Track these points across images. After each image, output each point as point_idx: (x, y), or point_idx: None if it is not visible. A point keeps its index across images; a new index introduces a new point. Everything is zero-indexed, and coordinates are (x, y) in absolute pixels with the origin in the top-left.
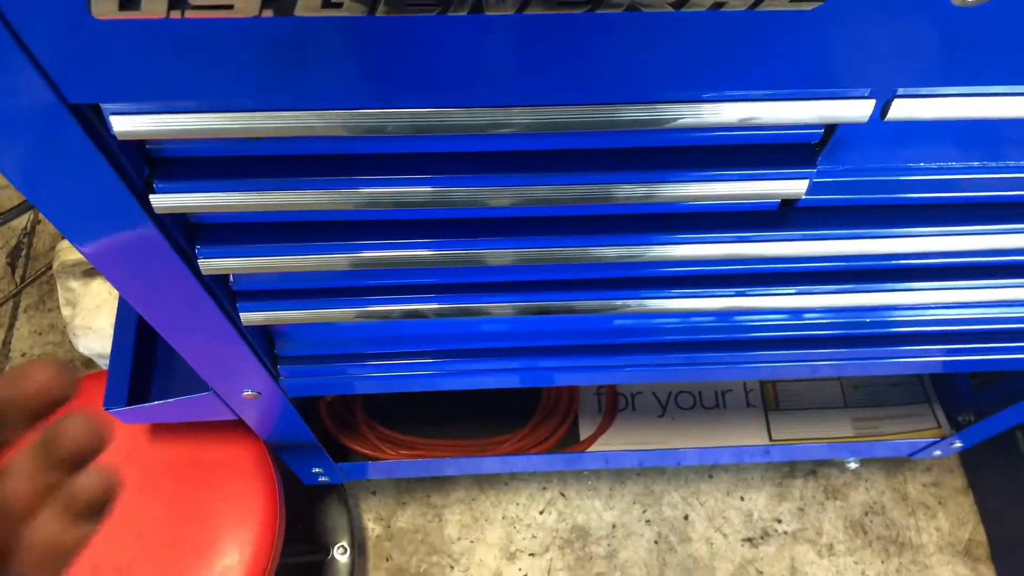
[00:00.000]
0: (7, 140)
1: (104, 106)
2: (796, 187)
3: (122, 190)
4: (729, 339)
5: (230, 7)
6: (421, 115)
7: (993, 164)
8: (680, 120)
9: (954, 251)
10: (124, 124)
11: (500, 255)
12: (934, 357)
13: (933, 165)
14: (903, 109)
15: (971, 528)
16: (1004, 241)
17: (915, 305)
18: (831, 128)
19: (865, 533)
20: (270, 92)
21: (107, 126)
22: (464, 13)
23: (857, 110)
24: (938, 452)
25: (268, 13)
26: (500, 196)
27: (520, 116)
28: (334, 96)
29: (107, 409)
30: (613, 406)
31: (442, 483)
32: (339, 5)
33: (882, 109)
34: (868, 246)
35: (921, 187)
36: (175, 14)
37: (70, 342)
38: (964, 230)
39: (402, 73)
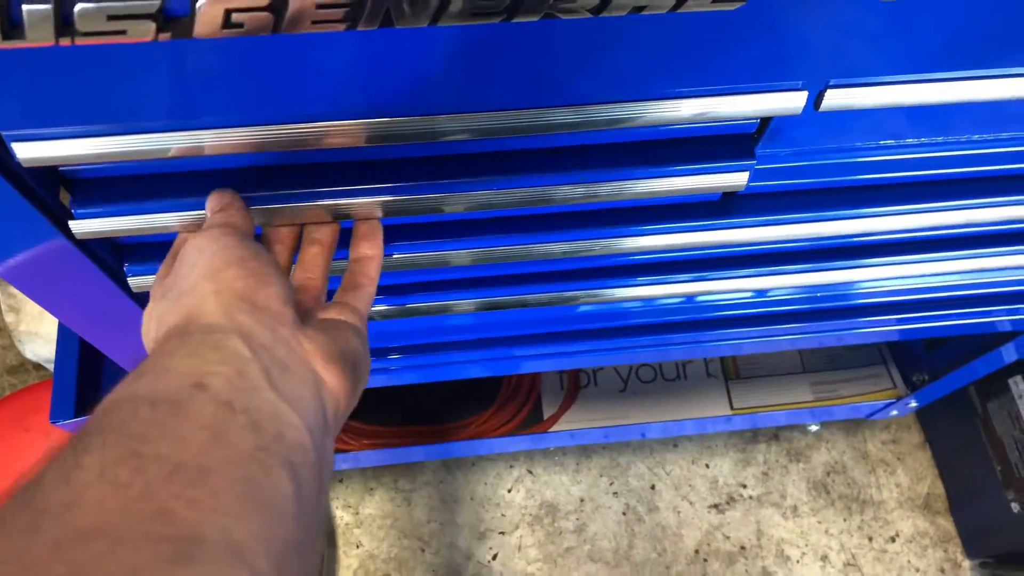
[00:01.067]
0: None
1: (5, 134)
2: (736, 179)
3: (36, 216)
4: (692, 319)
5: (122, 32)
6: (345, 127)
7: (930, 142)
8: (609, 120)
9: (899, 228)
10: (28, 151)
11: (457, 256)
12: (889, 327)
13: (871, 145)
14: (836, 99)
15: (929, 482)
16: (947, 217)
17: (867, 280)
18: (767, 118)
19: (828, 493)
20: (177, 113)
21: (11, 153)
22: (375, 28)
23: (790, 102)
24: (895, 412)
25: (165, 37)
26: (439, 203)
27: (449, 124)
28: (243, 113)
29: (54, 423)
30: (575, 384)
31: (409, 467)
32: (240, 25)
33: (815, 100)
34: (812, 229)
35: (861, 169)
36: (64, 41)
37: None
38: (907, 208)
39: (313, 87)
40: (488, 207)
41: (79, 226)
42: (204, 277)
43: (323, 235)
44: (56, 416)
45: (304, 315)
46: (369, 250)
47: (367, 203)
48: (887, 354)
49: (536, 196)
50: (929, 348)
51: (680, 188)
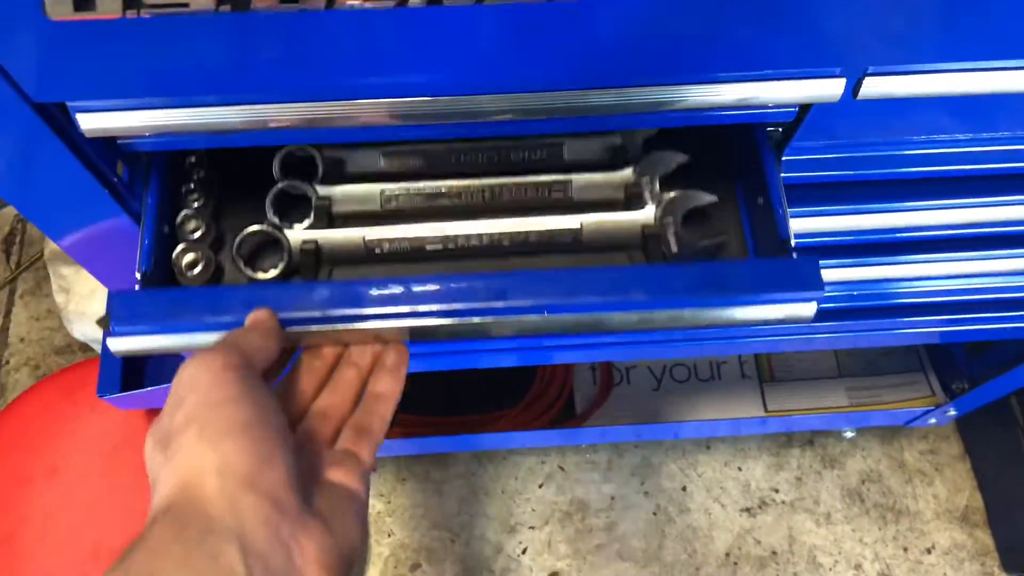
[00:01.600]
0: None
1: (70, 104)
2: (803, 311)
3: (96, 187)
4: None
5: (185, 4)
6: (395, 104)
7: (975, 136)
8: (650, 103)
9: (942, 224)
10: (91, 121)
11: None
12: (930, 328)
13: (912, 137)
14: (875, 87)
15: (968, 494)
16: (994, 213)
17: (907, 278)
18: (805, 107)
19: (862, 501)
20: (237, 86)
21: (75, 124)
22: (423, 6)
23: (828, 89)
24: (933, 420)
25: (225, 8)
26: (488, 328)
27: (491, 103)
28: (300, 88)
29: (101, 397)
30: (608, 381)
31: (441, 458)
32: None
33: (854, 88)
34: (850, 222)
35: (902, 161)
36: (131, 13)
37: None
38: (950, 203)
39: (369, 63)
40: (539, 333)
41: (115, 344)
42: (201, 436)
43: (364, 360)
44: (103, 390)
45: (311, 465)
46: (390, 386)
47: (411, 325)
48: (926, 360)
49: (589, 323)
50: (970, 354)
51: (741, 319)
